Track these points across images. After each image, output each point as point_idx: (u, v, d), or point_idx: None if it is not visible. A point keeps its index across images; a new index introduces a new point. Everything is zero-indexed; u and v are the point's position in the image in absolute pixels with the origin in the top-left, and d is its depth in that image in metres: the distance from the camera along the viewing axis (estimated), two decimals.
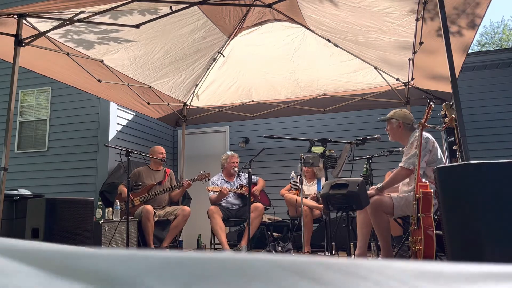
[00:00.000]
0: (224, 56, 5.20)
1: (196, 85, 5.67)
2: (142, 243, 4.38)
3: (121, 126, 6.06)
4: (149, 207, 4.40)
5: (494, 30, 23.21)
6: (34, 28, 3.47)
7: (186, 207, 4.70)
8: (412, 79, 4.81)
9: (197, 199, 6.01)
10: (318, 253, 4.45)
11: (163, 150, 4.96)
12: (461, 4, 2.94)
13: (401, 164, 3.14)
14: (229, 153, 5.17)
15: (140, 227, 4.40)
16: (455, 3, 2.94)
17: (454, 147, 2.80)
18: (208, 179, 4.93)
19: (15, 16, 3.20)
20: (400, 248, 3.48)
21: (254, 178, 5.07)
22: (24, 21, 3.27)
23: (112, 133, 5.82)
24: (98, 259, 0.31)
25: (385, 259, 3.12)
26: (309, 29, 4.61)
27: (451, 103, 2.79)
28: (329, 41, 4.70)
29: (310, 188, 4.87)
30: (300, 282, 0.29)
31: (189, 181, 4.80)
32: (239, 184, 5.01)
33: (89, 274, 0.29)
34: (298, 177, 4.43)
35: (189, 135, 6.95)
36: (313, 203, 4.57)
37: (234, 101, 5.97)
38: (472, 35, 3.27)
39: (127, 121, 6.23)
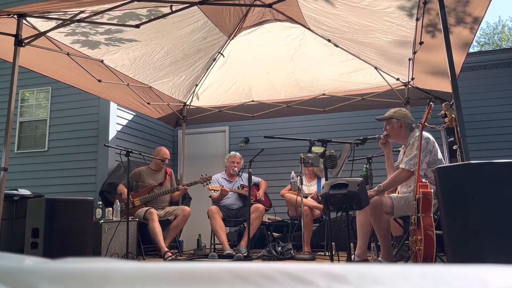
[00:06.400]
0: (224, 56, 5.20)
1: (196, 85, 5.67)
2: (142, 243, 4.38)
3: (121, 126, 6.06)
4: (152, 210, 4.42)
5: (493, 31, 23.22)
6: (34, 28, 3.47)
7: (186, 207, 4.70)
8: (412, 79, 4.81)
9: (197, 199, 6.01)
10: (318, 253, 4.45)
11: (167, 156, 4.93)
12: (461, 4, 2.94)
13: (402, 166, 3.13)
14: (231, 153, 5.19)
15: (140, 228, 4.40)
16: (455, 3, 2.94)
17: (454, 147, 2.80)
18: (209, 182, 4.93)
19: (15, 16, 3.20)
20: (400, 248, 3.48)
21: (256, 179, 5.07)
22: (24, 21, 3.27)
23: (112, 133, 5.82)
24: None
25: (385, 259, 3.12)
26: (309, 29, 4.61)
27: (451, 103, 2.79)
28: (329, 40, 4.70)
29: (310, 188, 4.87)
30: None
31: (185, 186, 4.81)
32: (241, 184, 5.01)
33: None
34: (298, 177, 4.43)
35: (189, 135, 6.95)
36: (313, 203, 4.57)
37: (234, 101, 5.97)
38: (472, 34, 3.27)
39: (127, 121, 6.23)
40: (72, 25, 3.57)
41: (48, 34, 3.56)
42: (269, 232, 5.30)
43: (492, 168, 1.92)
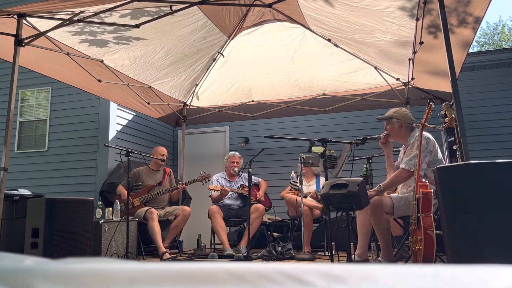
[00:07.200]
0: (224, 56, 5.20)
1: (196, 85, 5.67)
2: (142, 243, 4.38)
3: (121, 126, 6.06)
4: (152, 210, 4.42)
5: (493, 31, 23.22)
6: (34, 28, 3.47)
7: (186, 207, 4.70)
8: (412, 79, 4.81)
9: (197, 199, 6.01)
10: (318, 253, 4.45)
11: (165, 152, 4.95)
12: (461, 4, 2.94)
13: (402, 166, 3.12)
14: (231, 153, 5.19)
15: (140, 228, 4.40)
16: (455, 3, 2.94)
17: (454, 147, 2.80)
18: (208, 180, 4.93)
19: (15, 16, 3.20)
20: (400, 248, 3.48)
21: (256, 179, 5.07)
22: (24, 21, 3.27)
23: (112, 133, 5.82)
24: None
25: (385, 259, 3.12)
26: (309, 28, 4.61)
27: (451, 103, 2.79)
28: (329, 40, 4.70)
29: (310, 187, 4.87)
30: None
31: (183, 185, 4.81)
32: (241, 184, 5.01)
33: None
34: (298, 177, 4.43)
35: (189, 135, 6.95)
36: (313, 202, 4.57)
37: (234, 101, 5.97)
38: (472, 34, 3.27)
39: (127, 121, 6.23)
40: (80, 24, 3.56)
41: (49, 34, 3.56)
42: (269, 232, 5.30)
43: (492, 168, 1.92)
